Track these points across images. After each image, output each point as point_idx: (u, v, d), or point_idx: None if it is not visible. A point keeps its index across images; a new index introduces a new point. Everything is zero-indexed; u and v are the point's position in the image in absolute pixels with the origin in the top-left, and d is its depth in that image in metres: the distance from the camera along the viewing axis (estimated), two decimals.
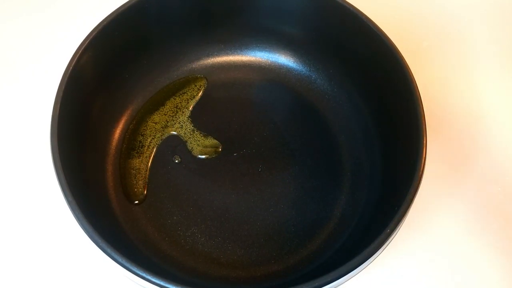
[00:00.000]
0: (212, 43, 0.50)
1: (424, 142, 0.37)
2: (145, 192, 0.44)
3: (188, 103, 0.49)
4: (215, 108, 0.49)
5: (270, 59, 0.51)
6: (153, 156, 0.46)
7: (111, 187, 0.44)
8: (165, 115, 0.49)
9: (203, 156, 0.46)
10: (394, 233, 0.34)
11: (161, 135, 0.48)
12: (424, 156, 0.36)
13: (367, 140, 0.46)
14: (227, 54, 0.51)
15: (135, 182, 0.45)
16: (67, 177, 0.36)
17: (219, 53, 0.51)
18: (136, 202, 0.44)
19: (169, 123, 0.48)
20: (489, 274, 0.42)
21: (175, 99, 0.49)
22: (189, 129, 0.48)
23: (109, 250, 0.33)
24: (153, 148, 0.47)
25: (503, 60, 0.53)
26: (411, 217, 0.37)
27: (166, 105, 0.49)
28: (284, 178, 0.45)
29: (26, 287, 0.41)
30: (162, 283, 0.32)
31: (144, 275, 0.33)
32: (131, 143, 0.47)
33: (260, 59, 0.51)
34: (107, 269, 0.41)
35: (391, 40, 0.41)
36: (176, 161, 0.46)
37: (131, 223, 0.43)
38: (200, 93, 0.50)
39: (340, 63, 0.48)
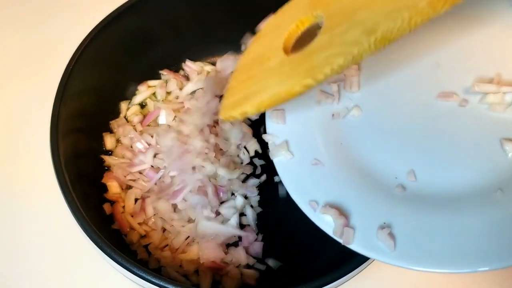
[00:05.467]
0: (213, 42, 0.50)
1: None
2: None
3: None
4: None
5: None
6: None
7: None
8: None
9: None
10: None
11: None
12: None
13: None
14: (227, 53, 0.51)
15: None
16: (65, 177, 0.36)
17: (219, 52, 0.51)
18: None
19: None
20: (489, 277, 0.42)
21: None
22: None
23: (108, 250, 0.33)
24: None
25: None
26: None
27: None
28: None
29: (28, 287, 0.41)
30: (162, 283, 0.32)
31: (143, 275, 0.32)
32: None
33: None
34: (107, 270, 0.41)
35: None
36: None
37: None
38: None
39: None
